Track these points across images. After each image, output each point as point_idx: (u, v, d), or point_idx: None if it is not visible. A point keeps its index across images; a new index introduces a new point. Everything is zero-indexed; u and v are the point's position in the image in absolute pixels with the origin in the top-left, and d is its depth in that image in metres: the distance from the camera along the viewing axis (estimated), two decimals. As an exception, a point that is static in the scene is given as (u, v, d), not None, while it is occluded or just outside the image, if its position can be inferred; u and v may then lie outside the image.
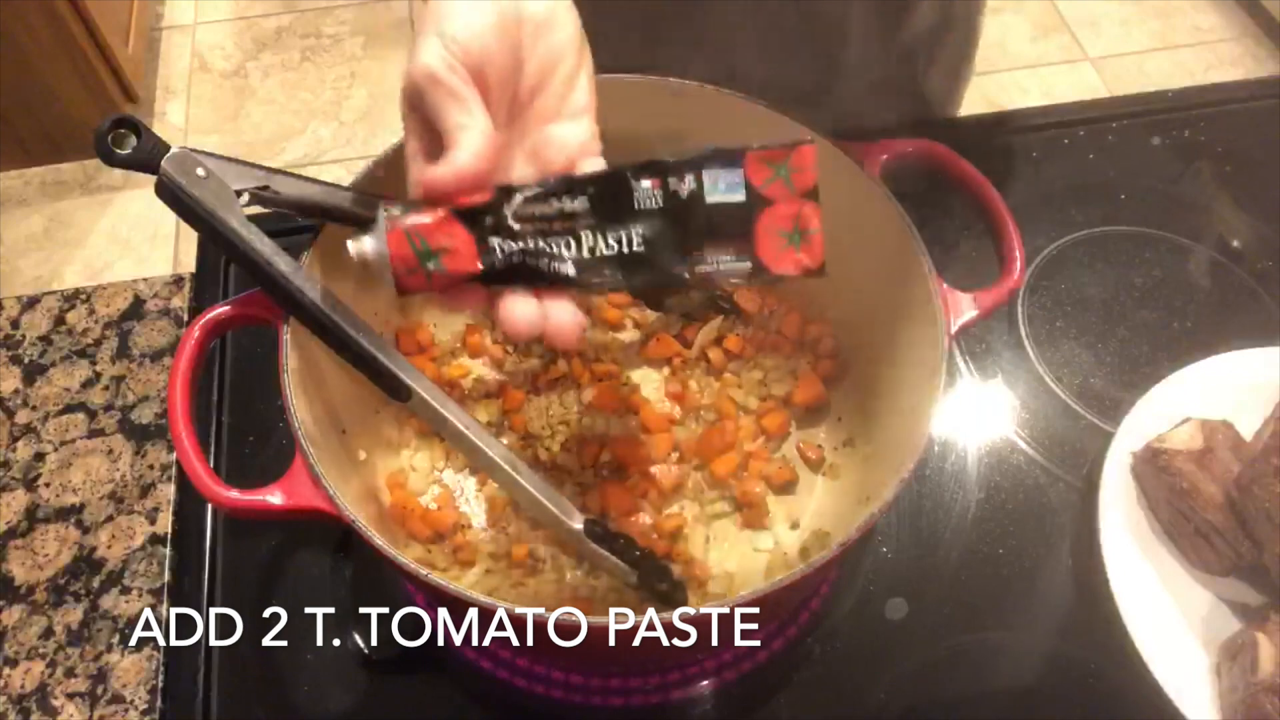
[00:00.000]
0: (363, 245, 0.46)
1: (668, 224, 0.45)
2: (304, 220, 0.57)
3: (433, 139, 0.47)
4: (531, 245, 0.45)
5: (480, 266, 0.45)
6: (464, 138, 0.45)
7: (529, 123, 0.50)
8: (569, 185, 0.46)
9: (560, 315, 0.46)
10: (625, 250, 0.45)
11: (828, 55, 0.79)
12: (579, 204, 0.45)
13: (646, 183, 0.45)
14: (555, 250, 0.45)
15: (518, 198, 0.45)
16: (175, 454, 0.68)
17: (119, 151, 0.51)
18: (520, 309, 0.46)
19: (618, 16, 0.78)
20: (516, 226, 0.45)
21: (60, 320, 0.78)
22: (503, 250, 0.45)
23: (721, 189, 0.45)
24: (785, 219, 0.46)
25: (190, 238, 1.25)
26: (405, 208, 0.46)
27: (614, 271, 0.46)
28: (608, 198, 0.45)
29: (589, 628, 0.49)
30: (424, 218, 0.45)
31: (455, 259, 0.45)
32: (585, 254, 0.45)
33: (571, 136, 0.50)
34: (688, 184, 0.45)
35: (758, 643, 0.65)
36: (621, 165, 0.46)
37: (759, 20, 0.78)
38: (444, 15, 0.47)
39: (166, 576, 0.67)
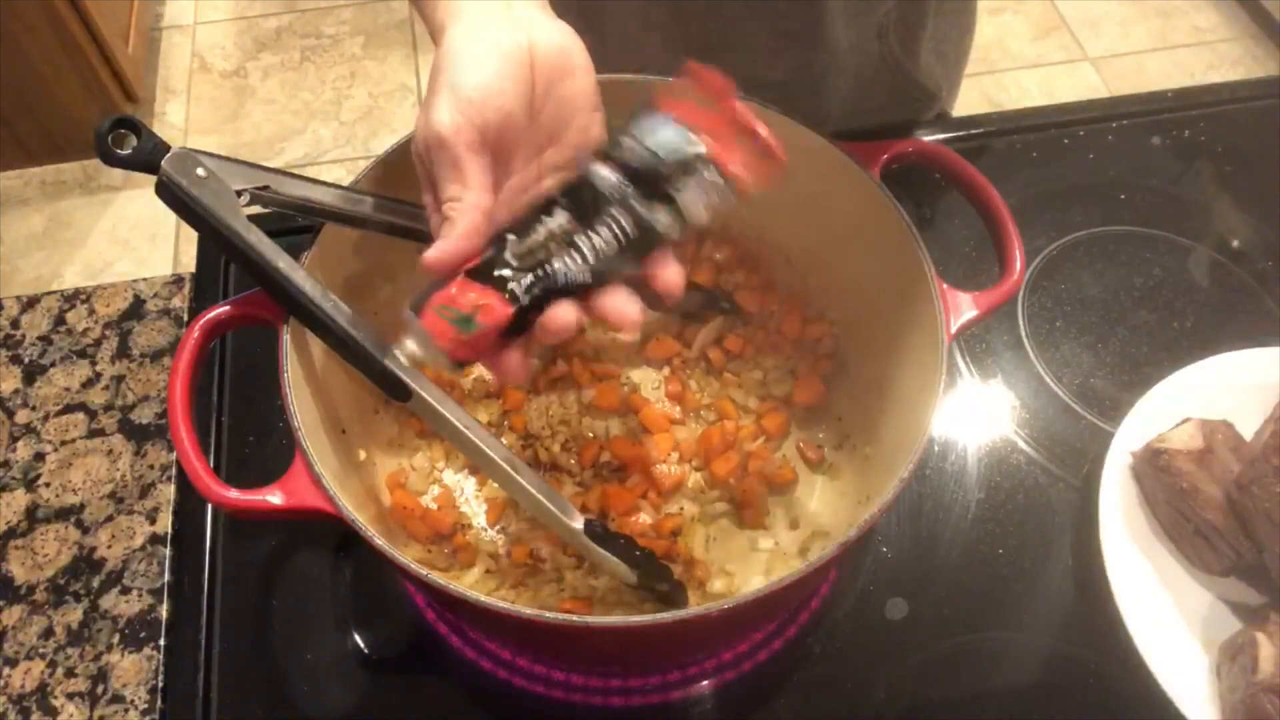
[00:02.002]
0: (406, 347, 0.48)
1: (642, 191, 0.48)
2: (304, 220, 0.57)
3: None
4: (544, 271, 0.47)
5: (511, 309, 0.47)
6: (456, 216, 0.47)
7: (543, 168, 0.51)
8: (543, 206, 0.48)
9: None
10: (624, 232, 0.48)
11: (820, 40, 0.79)
12: (561, 217, 0.48)
13: (603, 169, 0.48)
14: (567, 265, 0.47)
15: (510, 240, 0.48)
16: (175, 454, 0.68)
17: (119, 151, 0.51)
18: (562, 316, 0.48)
19: (616, 18, 0.78)
20: (519, 264, 0.47)
21: (60, 320, 0.78)
22: (522, 285, 0.47)
23: (661, 137, 0.48)
24: (728, 130, 0.48)
25: (190, 238, 1.25)
26: (421, 292, 0.48)
27: (624, 256, 0.48)
28: (581, 200, 0.48)
29: (589, 628, 0.49)
30: (443, 290, 0.47)
31: (488, 313, 0.47)
32: (593, 257, 0.47)
33: None
34: (635, 150, 0.48)
35: (758, 642, 0.65)
36: (576, 170, 0.49)
37: (753, 16, 0.78)
38: (456, 66, 0.47)
39: (166, 576, 0.67)
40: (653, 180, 0.48)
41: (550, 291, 0.47)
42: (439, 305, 0.47)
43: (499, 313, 0.47)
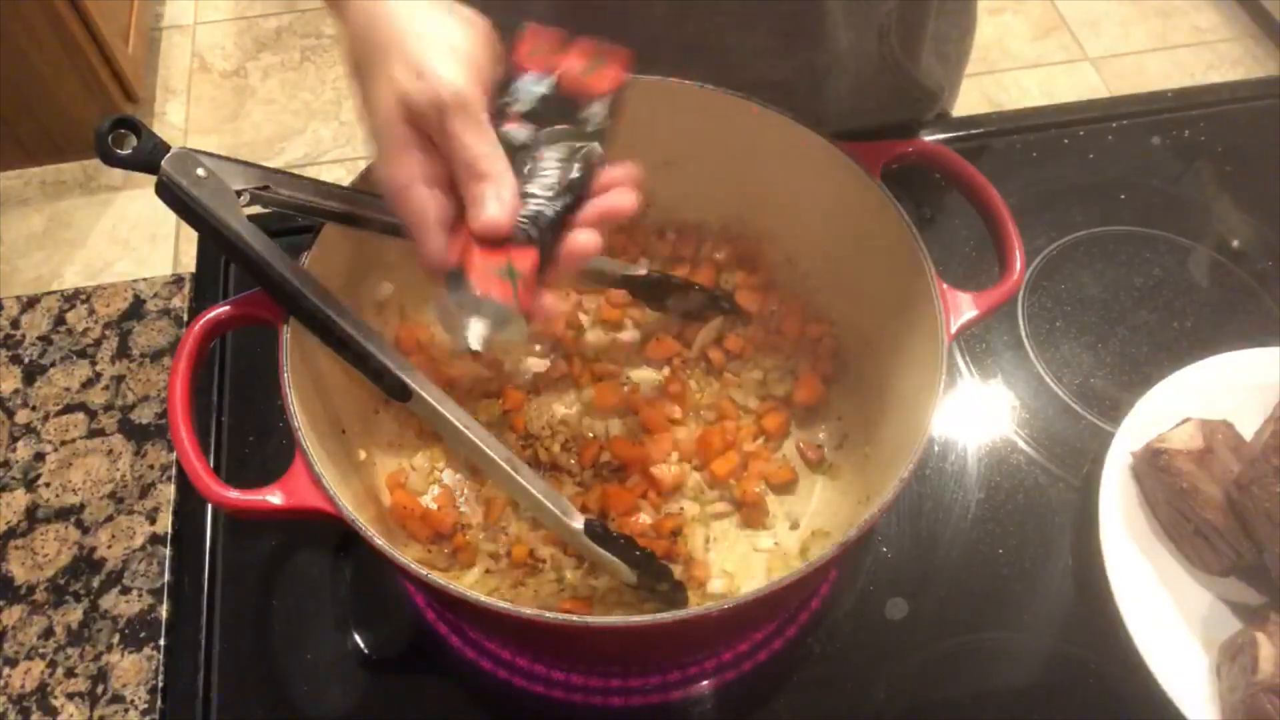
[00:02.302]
0: (473, 329, 0.49)
1: (551, 123, 0.52)
2: (304, 220, 0.57)
3: (436, 159, 0.48)
4: (533, 212, 0.49)
5: (535, 247, 0.49)
6: (497, 170, 0.47)
7: None
8: None
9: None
10: (566, 157, 0.51)
11: (821, 41, 0.79)
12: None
13: (510, 128, 0.51)
14: (545, 202, 0.50)
15: None
16: (175, 454, 0.68)
17: (119, 151, 0.51)
18: (584, 240, 0.50)
19: (615, 18, 0.78)
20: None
21: (60, 320, 0.78)
22: (526, 226, 0.49)
23: (534, 88, 0.52)
24: (579, 62, 0.54)
25: (190, 238, 1.25)
26: (450, 283, 0.48)
27: (581, 169, 0.51)
28: (515, 155, 0.50)
29: (589, 628, 0.49)
30: (473, 261, 0.48)
31: (519, 259, 0.48)
32: (559, 185, 0.50)
33: None
34: (519, 98, 0.52)
35: (758, 642, 0.65)
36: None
37: (753, 16, 0.78)
38: (440, 27, 0.47)
39: (166, 576, 0.67)
40: (562, 117, 0.52)
41: (550, 222, 0.49)
42: (483, 270, 0.48)
43: (527, 254, 0.49)
